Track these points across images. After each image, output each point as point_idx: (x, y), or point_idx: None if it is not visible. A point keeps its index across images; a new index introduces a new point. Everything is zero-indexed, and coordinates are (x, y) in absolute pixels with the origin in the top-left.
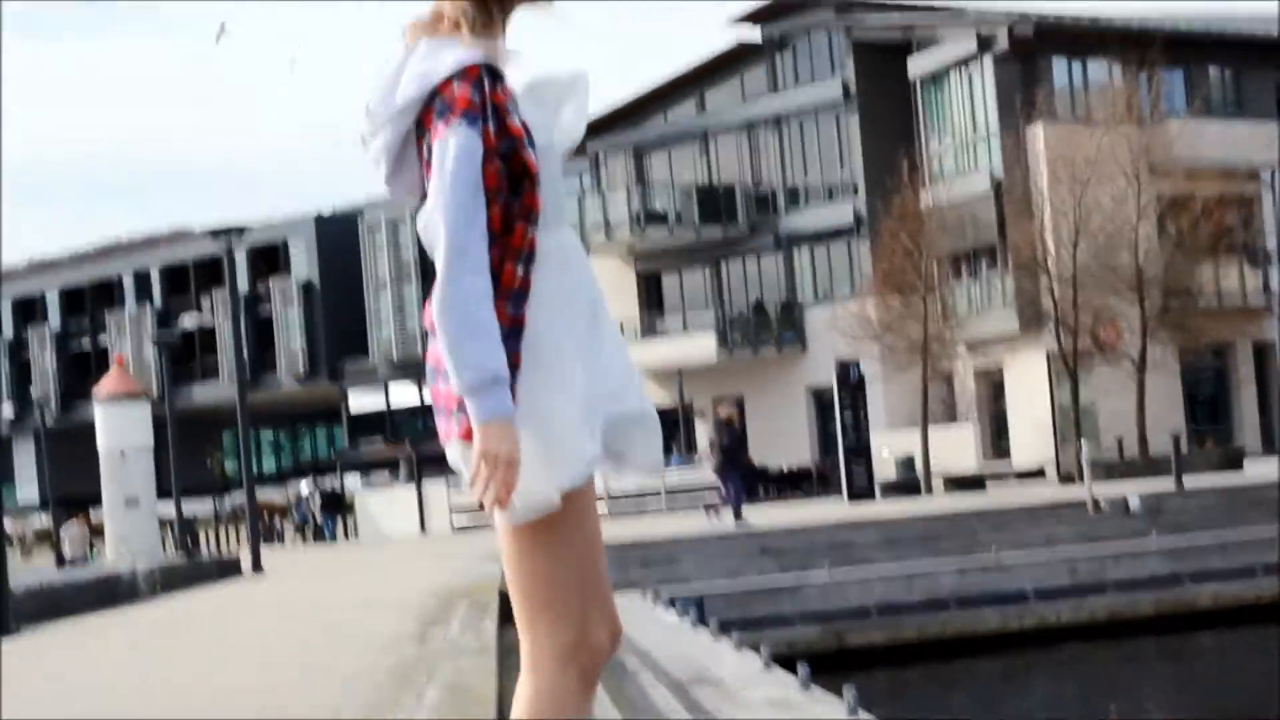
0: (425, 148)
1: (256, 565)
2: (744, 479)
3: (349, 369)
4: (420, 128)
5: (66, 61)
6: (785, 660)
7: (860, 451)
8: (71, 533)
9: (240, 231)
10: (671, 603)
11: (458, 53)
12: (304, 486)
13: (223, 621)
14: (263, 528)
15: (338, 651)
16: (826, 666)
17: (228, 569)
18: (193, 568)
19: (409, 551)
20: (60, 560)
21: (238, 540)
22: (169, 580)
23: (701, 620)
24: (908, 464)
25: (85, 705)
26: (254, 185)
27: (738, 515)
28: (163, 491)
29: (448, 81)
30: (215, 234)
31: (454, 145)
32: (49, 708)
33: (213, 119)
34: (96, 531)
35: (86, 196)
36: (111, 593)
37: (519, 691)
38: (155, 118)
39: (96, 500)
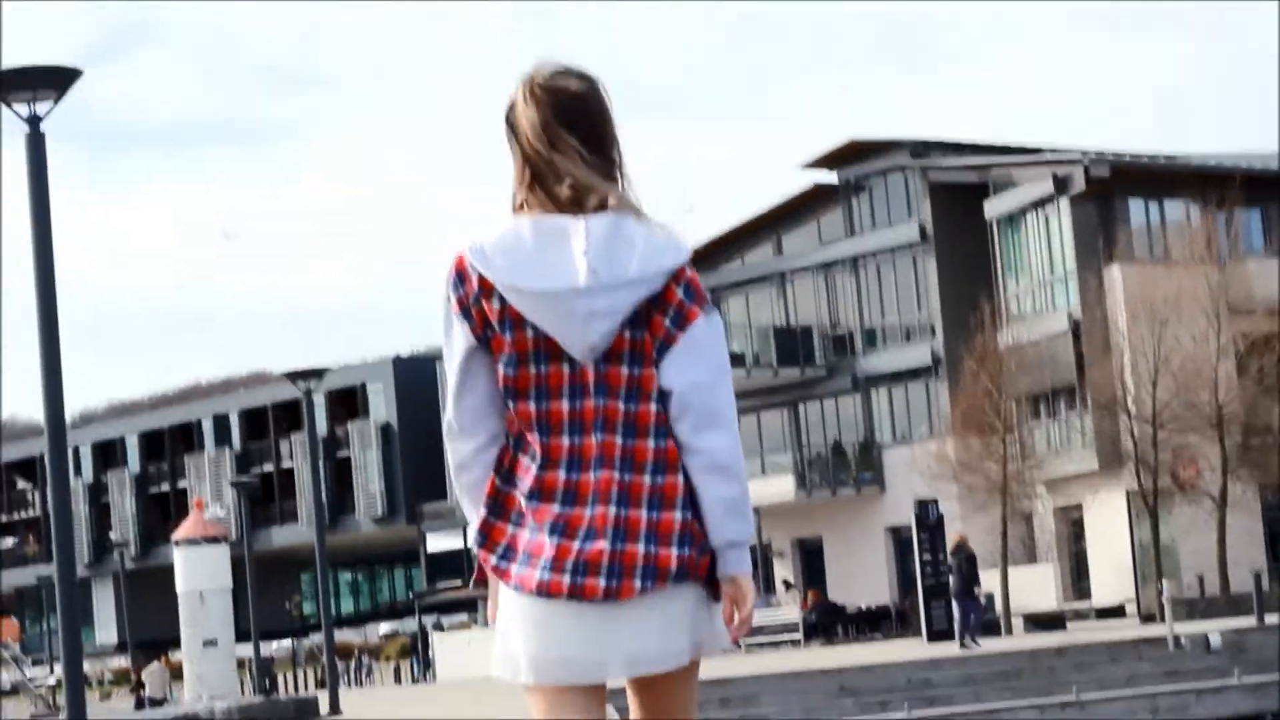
0: (665, 317)
1: (334, 708)
2: (972, 603)
3: (427, 510)
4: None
5: (148, 206)
6: None
7: (939, 591)
8: (154, 670)
9: (319, 375)
10: None
11: (681, 241)
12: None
13: None
14: (341, 669)
15: None
16: None
17: (306, 710)
18: (270, 708)
19: (486, 693)
20: (140, 702)
21: (316, 681)
22: None
23: None
24: (987, 603)
25: None
26: (332, 327)
27: (964, 640)
28: (241, 633)
29: (682, 266)
30: (294, 378)
31: (718, 325)
32: None
33: (288, 261)
34: (176, 672)
35: (165, 339)
36: None
37: None
38: (231, 261)
39: (174, 642)
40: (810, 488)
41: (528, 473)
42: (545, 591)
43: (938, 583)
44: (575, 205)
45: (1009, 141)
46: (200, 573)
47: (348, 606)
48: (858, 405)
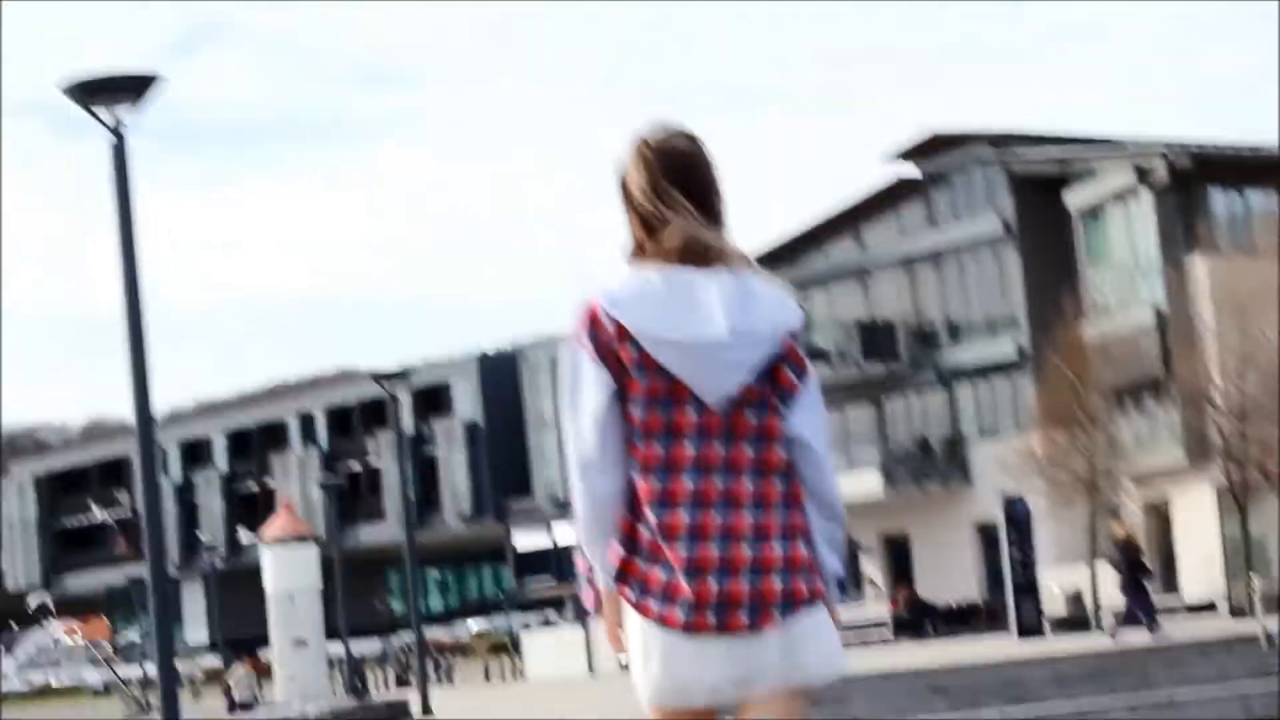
0: (788, 368)
1: (426, 708)
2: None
3: (514, 508)
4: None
5: (238, 206)
6: None
7: (1028, 588)
8: (238, 675)
9: (404, 375)
10: None
11: (794, 299)
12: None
13: None
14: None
15: None
16: None
17: (398, 711)
18: (363, 710)
19: (578, 692)
20: (231, 704)
21: (400, 679)
22: None
23: None
24: (1076, 599)
25: None
26: (418, 322)
27: (1151, 628)
28: (331, 632)
29: (800, 324)
30: (379, 378)
31: (818, 380)
32: None
33: (377, 259)
34: (265, 672)
35: (252, 337)
36: None
37: None
38: (320, 260)
39: (264, 642)
40: (897, 484)
41: (653, 513)
42: (693, 629)
43: (1026, 579)
44: (693, 258)
45: (1090, 132)
46: (289, 573)
47: (436, 605)
48: (943, 400)
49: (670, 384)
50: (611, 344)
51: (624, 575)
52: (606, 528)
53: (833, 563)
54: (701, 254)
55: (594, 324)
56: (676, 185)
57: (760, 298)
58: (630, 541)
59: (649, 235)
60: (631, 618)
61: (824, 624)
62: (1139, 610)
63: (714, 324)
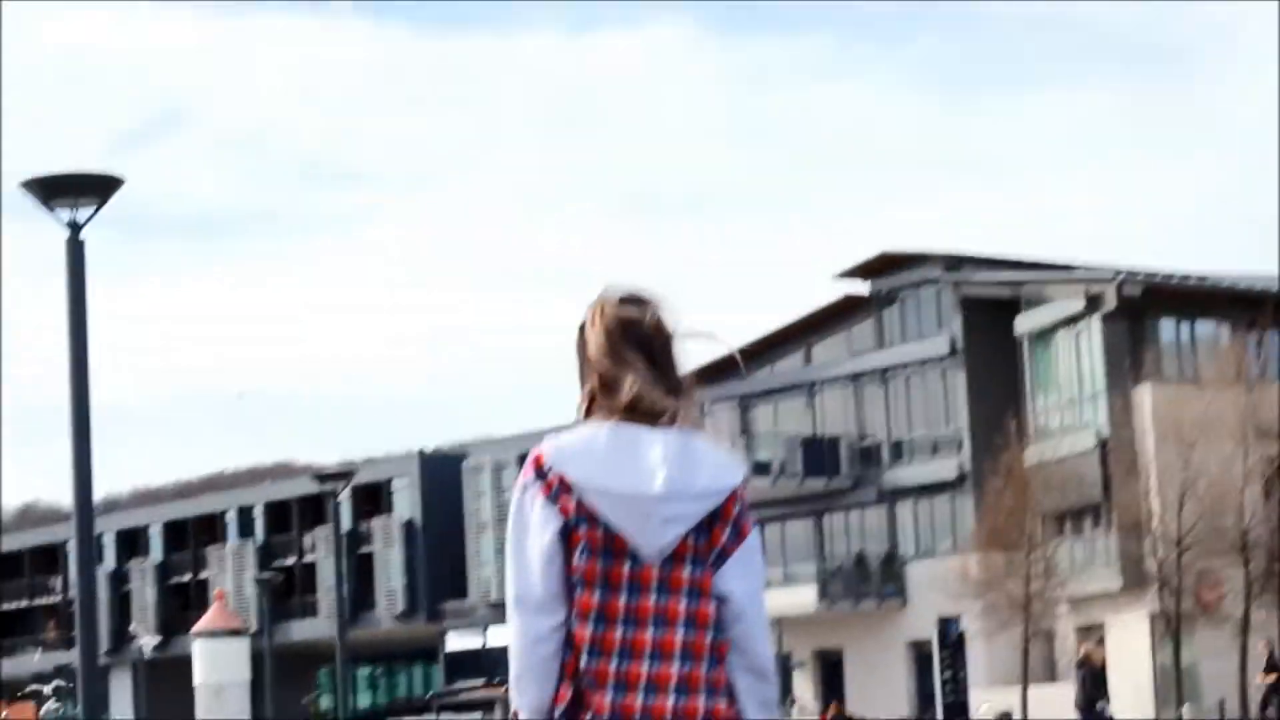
0: (725, 529)
1: None
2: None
3: (448, 609)
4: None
5: (177, 293)
6: None
7: (959, 708)
8: None
9: (345, 476)
10: None
11: (739, 461)
12: None
13: None
14: None
15: None
16: None
17: None
18: None
19: None
20: None
21: None
22: None
23: None
24: None
25: None
26: (359, 417)
27: None
28: None
29: (741, 484)
30: (321, 478)
31: (759, 543)
32: None
33: (315, 352)
34: None
35: (193, 429)
36: None
37: None
38: (266, 354)
39: None
40: (832, 599)
41: (583, 661)
42: None
43: (957, 699)
44: (642, 417)
45: (1042, 257)
46: (219, 664)
47: (365, 701)
48: (882, 517)
49: (609, 536)
50: (555, 493)
51: (567, 715)
52: (541, 668)
53: (762, 710)
54: (650, 413)
55: (541, 472)
56: (633, 347)
57: (702, 458)
58: (577, 682)
59: (602, 393)
60: None
61: None
62: None
63: (652, 481)
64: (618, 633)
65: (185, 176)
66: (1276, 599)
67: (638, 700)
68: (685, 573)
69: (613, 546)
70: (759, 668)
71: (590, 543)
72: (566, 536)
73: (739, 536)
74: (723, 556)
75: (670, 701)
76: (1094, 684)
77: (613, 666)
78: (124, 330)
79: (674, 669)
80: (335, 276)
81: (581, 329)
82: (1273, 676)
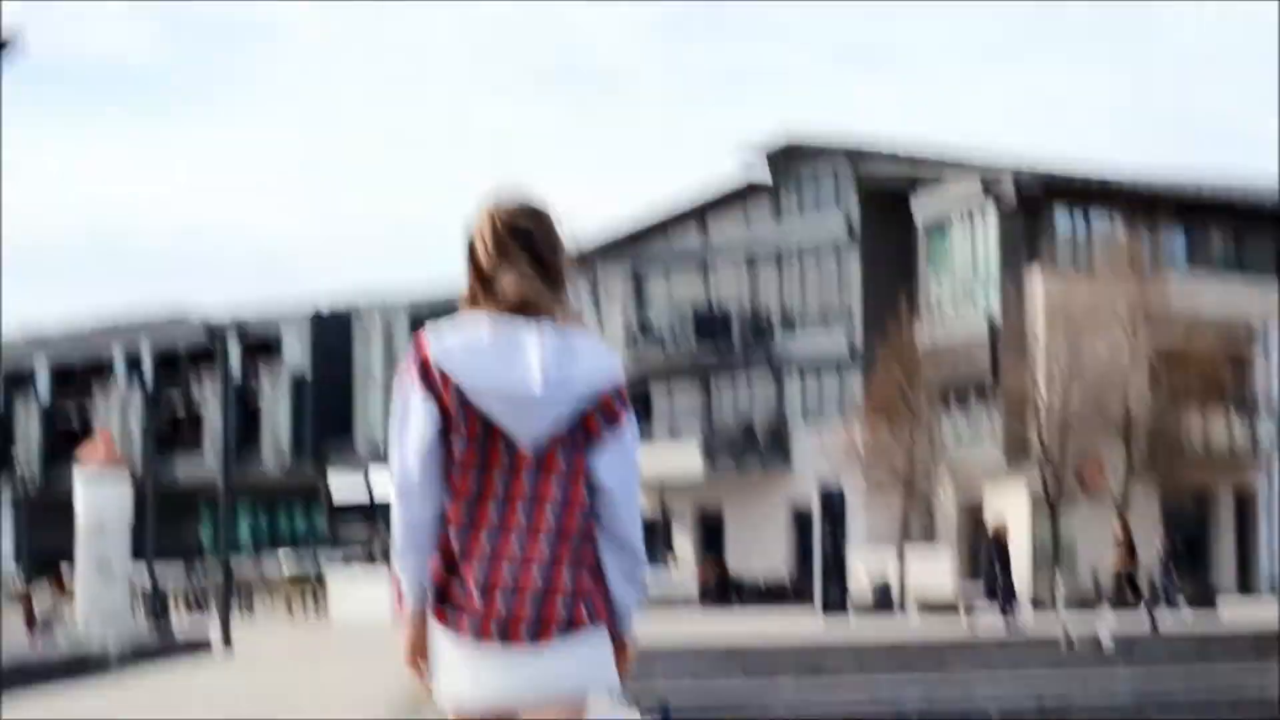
0: (599, 417)
1: (227, 640)
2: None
3: (332, 453)
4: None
5: (88, 140)
6: None
7: (837, 569)
8: (42, 595)
9: (237, 327)
10: (642, 711)
11: (615, 356)
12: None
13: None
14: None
15: None
16: None
17: (199, 645)
18: (164, 642)
19: (377, 633)
20: (30, 621)
21: (205, 610)
22: (140, 655)
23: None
24: (883, 588)
25: None
26: (254, 269)
27: (1007, 623)
28: (138, 556)
29: (618, 378)
30: (211, 328)
31: (636, 428)
32: None
33: (214, 201)
34: (68, 595)
35: (84, 271)
36: (82, 665)
37: None
38: (162, 196)
39: (67, 556)
40: (717, 464)
41: (457, 537)
42: (478, 635)
43: (835, 560)
44: (522, 311)
45: (942, 146)
46: (101, 501)
47: (245, 537)
48: (771, 388)
49: (487, 426)
50: (437, 386)
51: (436, 589)
52: (420, 550)
53: (626, 594)
54: (530, 308)
55: (424, 366)
56: (518, 244)
57: (579, 354)
58: (446, 555)
59: (485, 288)
60: (433, 626)
61: (600, 648)
62: (1002, 598)
63: (530, 376)
64: (491, 511)
65: (88, 27)
66: (1155, 480)
67: (505, 574)
68: (560, 458)
69: (490, 435)
70: (627, 546)
71: (469, 431)
72: (446, 425)
73: (612, 424)
74: (596, 443)
75: (537, 576)
76: (1002, 559)
77: (484, 541)
78: (22, 171)
79: (542, 545)
80: (239, 126)
81: (472, 227)
82: (1126, 560)
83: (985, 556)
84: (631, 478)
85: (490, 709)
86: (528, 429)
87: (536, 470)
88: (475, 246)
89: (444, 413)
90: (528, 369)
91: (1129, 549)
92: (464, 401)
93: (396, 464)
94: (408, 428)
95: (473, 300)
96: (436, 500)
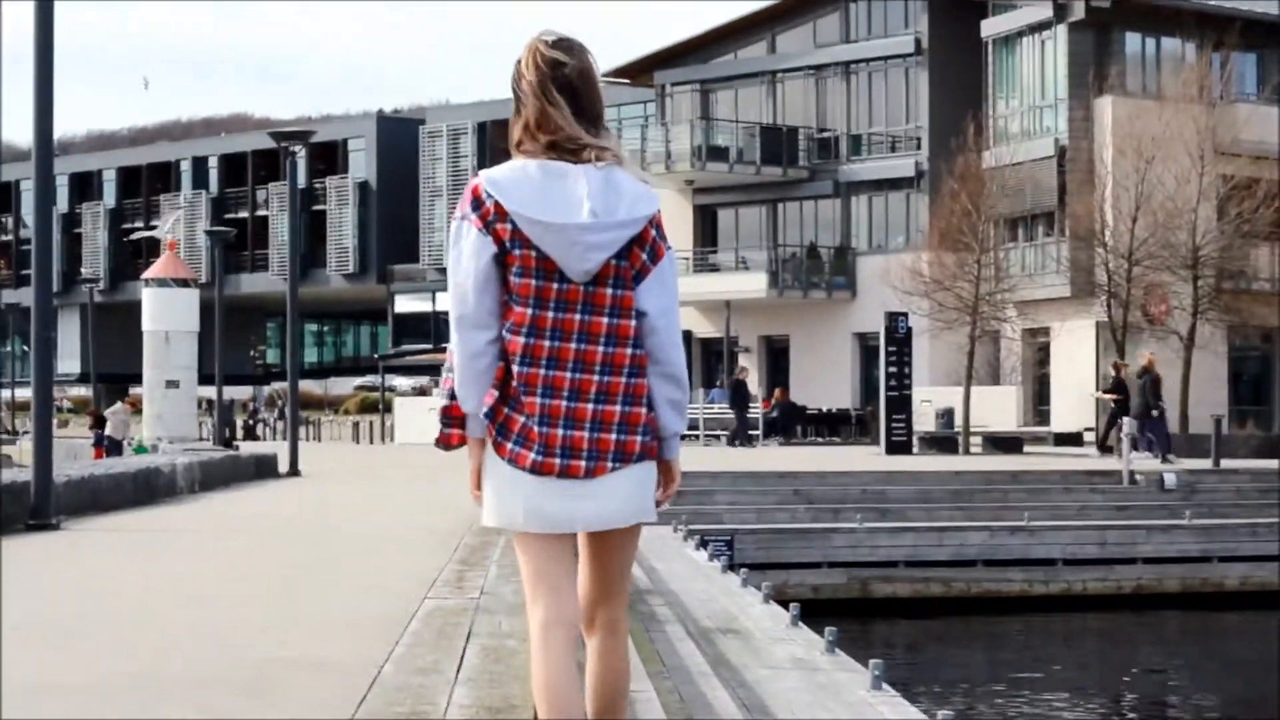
0: (643, 251)
1: (294, 468)
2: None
3: (398, 271)
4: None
5: None
6: (809, 604)
7: (901, 404)
8: (116, 413)
9: (303, 137)
10: (703, 543)
11: (654, 190)
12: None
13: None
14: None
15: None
16: (851, 613)
17: (265, 468)
18: (231, 462)
19: (445, 461)
20: (99, 439)
21: (272, 431)
22: (207, 478)
23: (731, 559)
24: (947, 418)
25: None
26: (319, 74)
27: (1163, 457)
28: (204, 378)
29: (657, 212)
30: (278, 137)
31: (674, 263)
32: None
33: (291, 12)
34: (137, 409)
35: (149, 72)
36: (150, 488)
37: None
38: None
39: (135, 379)
40: (782, 287)
41: (516, 366)
42: (538, 470)
43: (901, 394)
44: (569, 153)
45: None
46: (168, 313)
47: (311, 358)
48: (837, 210)
49: (540, 258)
50: (492, 220)
51: (492, 415)
52: (479, 378)
53: (673, 422)
54: (576, 150)
55: (478, 202)
56: (561, 88)
57: (622, 190)
58: (503, 387)
59: (534, 130)
60: (489, 453)
61: (647, 477)
62: (1152, 434)
63: (579, 212)
64: (546, 343)
65: None
66: (1222, 316)
67: (562, 404)
68: (608, 292)
69: (544, 268)
70: (673, 375)
71: (524, 264)
72: (501, 259)
73: (655, 258)
74: (640, 276)
75: (591, 406)
76: (1154, 390)
77: (541, 372)
78: None
79: (595, 377)
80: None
81: (517, 66)
82: (1112, 397)
83: (1139, 391)
84: (673, 306)
85: (550, 529)
86: (578, 261)
87: (586, 304)
88: (521, 87)
89: (499, 246)
90: (576, 201)
91: (1117, 390)
92: (517, 235)
93: (454, 294)
94: (463, 257)
95: (522, 143)
96: (494, 330)
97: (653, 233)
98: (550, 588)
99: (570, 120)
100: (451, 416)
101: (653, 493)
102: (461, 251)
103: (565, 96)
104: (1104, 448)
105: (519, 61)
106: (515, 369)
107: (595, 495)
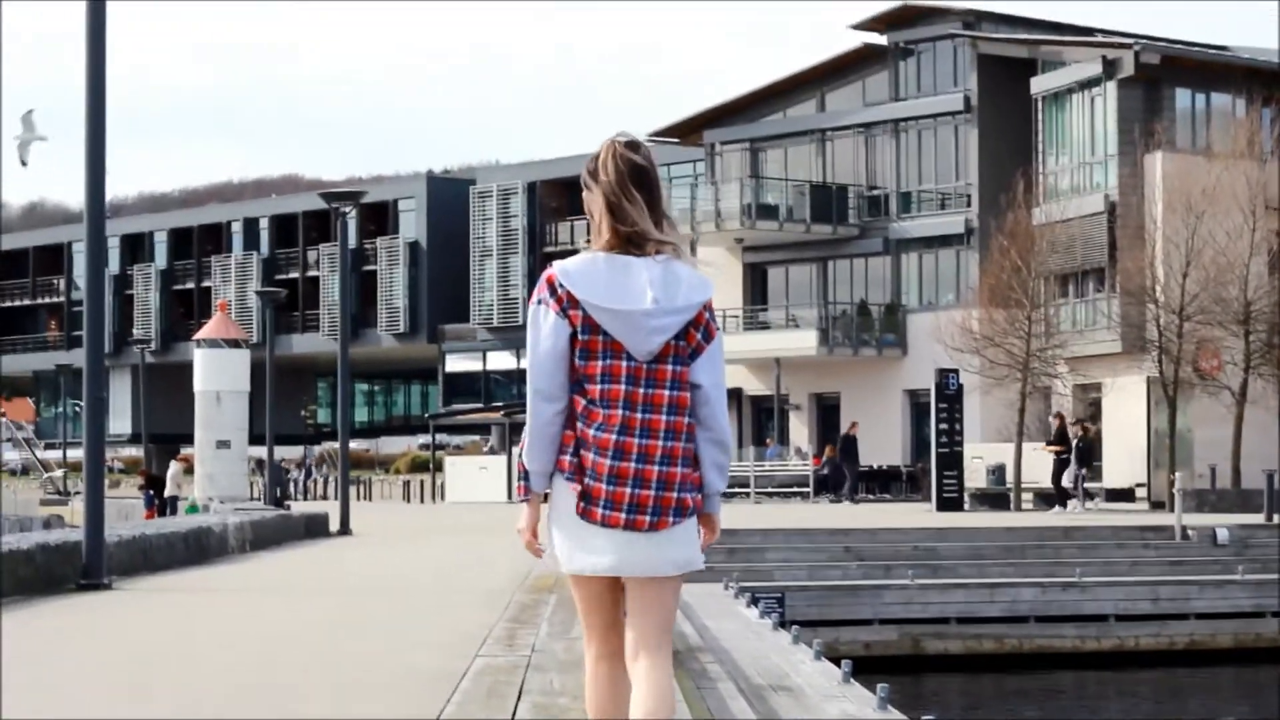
0: (698, 332)
1: (345, 527)
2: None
3: (448, 330)
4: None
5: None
6: (860, 661)
7: (952, 460)
8: (174, 471)
9: (354, 197)
10: (754, 600)
11: (709, 278)
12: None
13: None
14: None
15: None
16: (903, 669)
17: (316, 527)
18: (282, 520)
19: (496, 519)
20: (151, 495)
21: (323, 490)
22: (258, 538)
23: (782, 616)
24: (998, 474)
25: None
26: (370, 136)
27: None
28: (255, 438)
29: (710, 298)
30: (329, 198)
31: (723, 342)
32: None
33: (330, 71)
34: (189, 469)
35: (202, 135)
36: (201, 548)
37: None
38: (275, 64)
39: (186, 439)
40: (832, 345)
41: (591, 432)
42: (606, 523)
43: (952, 451)
44: (636, 246)
45: (1061, 19)
46: (219, 374)
47: (362, 417)
48: (887, 267)
49: (608, 341)
50: (565, 307)
51: (573, 477)
52: (548, 443)
53: (716, 481)
54: (642, 244)
55: (553, 289)
56: (639, 186)
57: (680, 279)
58: (574, 451)
59: (611, 222)
60: (562, 506)
61: (694, 527)
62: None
63: (643, 299)
64: (616, 413)
65: None
66: (1275, 371)
67: (631, 466)
68: (669, 368)
69: (612, 348)
70: (721, 440)
71: (592, 347)
72: (573, 342)
73: (708, 338)
74: (696, 354)
75: (656, 468)
76: (1087, 455)
77: (612, 439)
78: (139, 37)
79: (660, 443)
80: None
81: (596, 162)
82: (1056, 449)
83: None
84: (723, 380)
85: (608, 573)
86: (643, 343)
87: (650, 379)
88: (599, 183)
89: (571, 330)
90: (640, 290)
91: (1060, 441)
92: (587, 320)
93: (532, 370)
94: (542, 338)
95: (595, 236)
96: (563, 402)
97: (706, 315)
98: (605, 623)
99: (645, 215)
100: (522, 473)
101: (698, 542)
102: (540, 331)
103: (642, 194)
104: (1059, 492)
105: (596, 158)
106: (590, 434)
107: (652, 545)
